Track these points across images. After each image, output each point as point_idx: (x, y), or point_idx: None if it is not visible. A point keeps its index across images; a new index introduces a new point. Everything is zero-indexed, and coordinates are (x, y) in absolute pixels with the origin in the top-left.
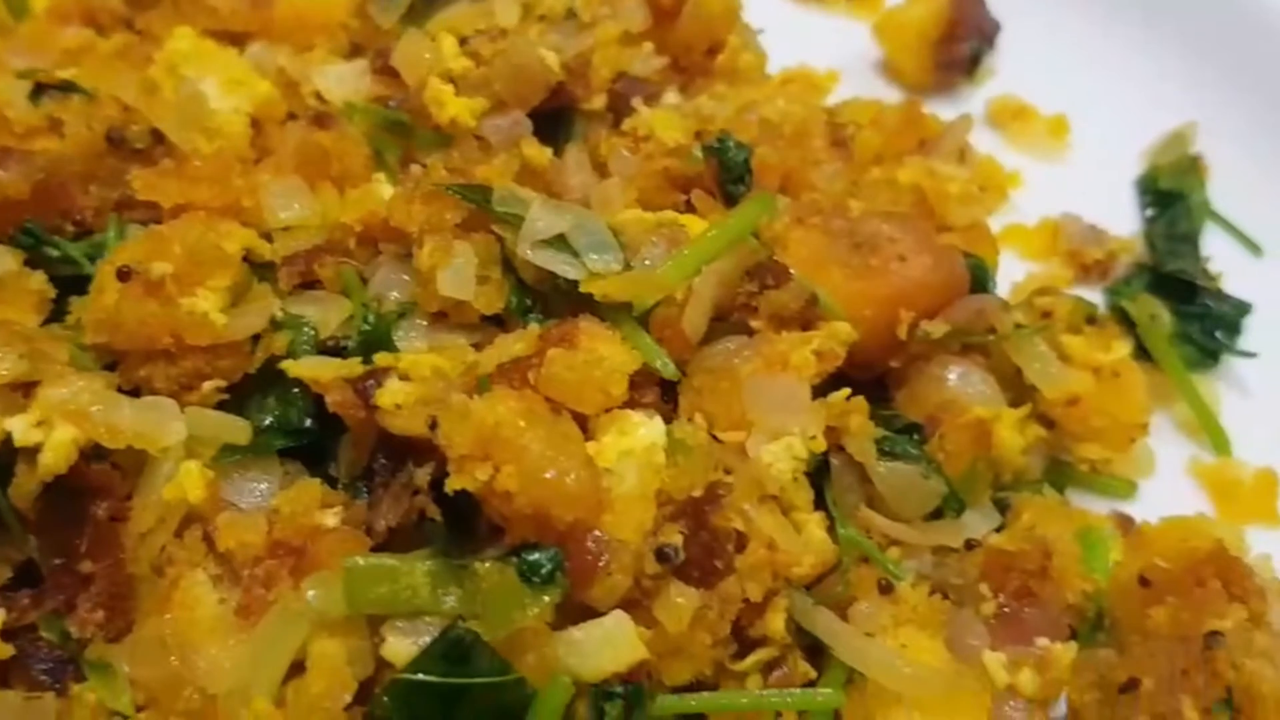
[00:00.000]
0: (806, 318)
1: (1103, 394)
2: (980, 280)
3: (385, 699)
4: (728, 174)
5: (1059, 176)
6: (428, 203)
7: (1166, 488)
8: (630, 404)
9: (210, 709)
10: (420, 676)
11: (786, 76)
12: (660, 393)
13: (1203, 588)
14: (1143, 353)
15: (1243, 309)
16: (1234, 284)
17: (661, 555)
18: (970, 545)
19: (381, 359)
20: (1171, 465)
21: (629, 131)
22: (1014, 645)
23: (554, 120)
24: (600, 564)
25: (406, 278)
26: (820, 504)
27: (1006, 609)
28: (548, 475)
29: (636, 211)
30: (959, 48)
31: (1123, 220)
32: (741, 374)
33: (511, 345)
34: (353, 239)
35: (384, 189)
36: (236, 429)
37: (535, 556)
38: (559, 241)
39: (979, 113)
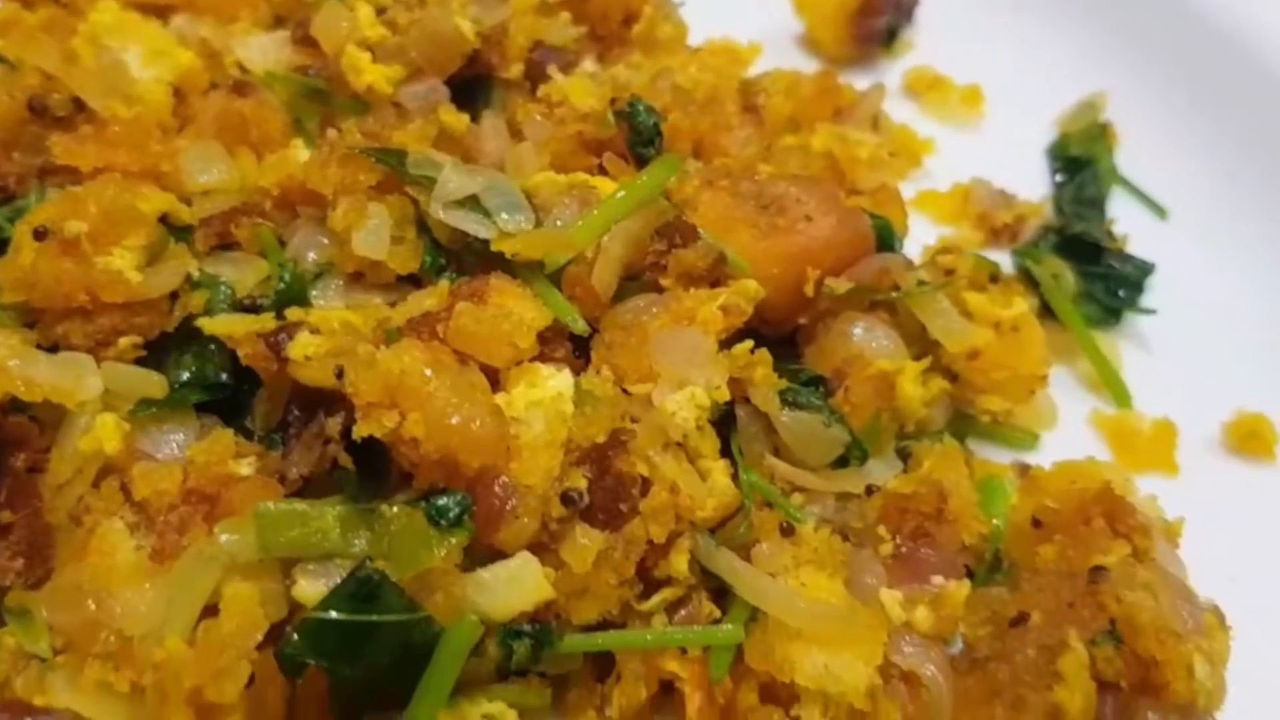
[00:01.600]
0: (715, 276)
1: (1003, 348)
2: (886, 240)
3: (295, 637)
4: (638, 137)
5: (973, 144)
6: (343, 165)
7: (1068, 439)
8: (541, 358)
9: (126, 651)
10: (329, 615)
11: (709, 49)
12: (572, 349)
13: (1089, 526)
14: (1048, 311)
15: (1146, 269)
16: (1140, 246)
17: (566, 499)
18: (870, 490)
19: (293, 314)
20: (1074, 418)
21: (543, 98)
22: (910, 584)
23: (473, 88)
24: (507, 508)
25: (324, 240)
26: (728, 453)
27: (903, 549)
28: (453, 421)
29: (549, 174)
30: (876, 21)
31: (1034, 186)
32: (650, 329)
33: (423, 301)
34: (269, 202)
35: (301, 154)
36: (152, 383)
37: (443, 501)
38: (472, 202)
39: (896, 84)
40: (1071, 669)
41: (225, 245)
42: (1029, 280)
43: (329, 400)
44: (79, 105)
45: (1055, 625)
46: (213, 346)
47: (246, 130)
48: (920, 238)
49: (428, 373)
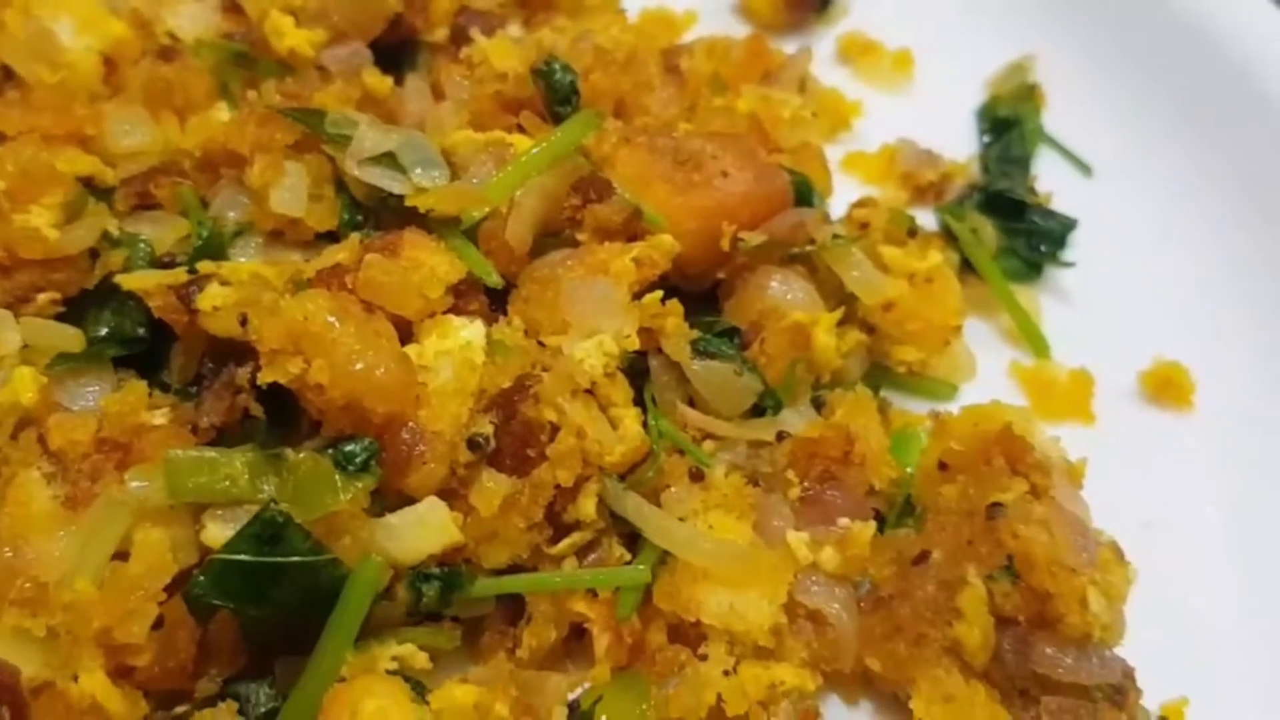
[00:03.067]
0: (631, 230)
1: (917, 299)
2: (805, 196)
3: (202, 578)
4: (555, 96)
5: (904, 108)
6: (260, 125)
7: (987, 390)
8: (456, 311)
9: (42, 596)
10: (234, 556)
11: (645, 17)
12: (489, 303)
13: (989, 465)
14: (970, 267)
15: (1068, 225)
16: (1065, 203)
17: (472, 444)
18: (781, 436)
19: (204, 267)
20: (993, 369)
21: (465, 60)
22: (817, 526)
23: (400, 52)
24: (415, 454)
25: (246, 200)
26: (642, 403)
27: (810, 492)
28: (357, 368)
29: (467, 133)
30: None
31: (964, 148)
32: (563, 281)
33: (335, 255)
34: (191, 163)
35: (223, 116)
36: (69, 337)
37: (350, 447)
38: (388, 160)
39: (830, 51)
40: (970, 605)
41: (148, 206)
42: (951, 237)
43: (240, 351)
44: (7, 73)
45: (955, 563)
46: (131, 302)
47: (172, 95)
48: (847, 198)
49: (331, 320)
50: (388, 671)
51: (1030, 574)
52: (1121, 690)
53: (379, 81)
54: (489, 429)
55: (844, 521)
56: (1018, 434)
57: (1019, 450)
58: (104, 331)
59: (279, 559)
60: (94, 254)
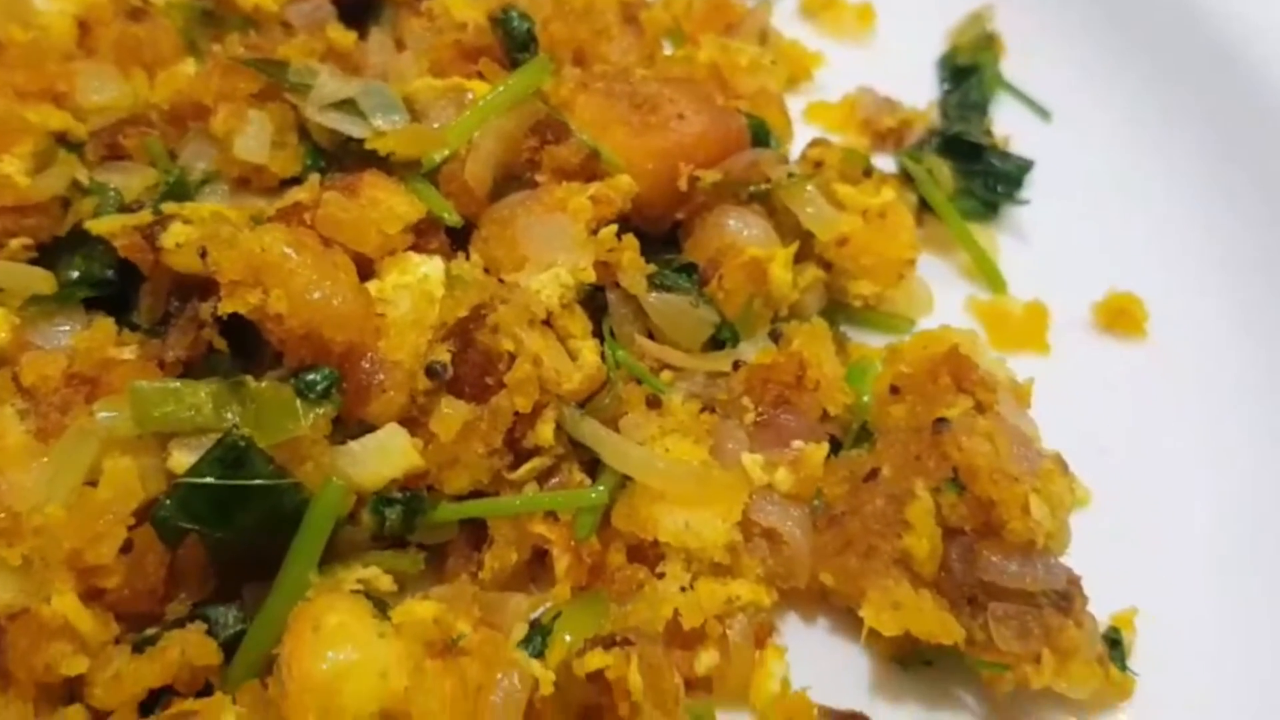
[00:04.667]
0: (590, 172)
1: (871, 234)
2: (762, 139)
3: (168, 501)
4: (513, 43)
5: (866, 60)
6: (224, 76)
7: (944, 323)
8: (416, 249)
9: (17, 526)
10: (199, 480)
11: None
12: (451, 244)
13: (936, 384)
14: (928, 208)
15: (1024, 167)
16: (1024, 147)
17: (431, 371)
18: (736, 366)
19: (168, 208)
20: (950, 304)
21: (425, 11)
22: (772, 448)
23: (364, 6)
24: (375, 382)
25: (213, 151)
26: (601, 336)
27: (765, 416)
28: (314, 297)
29: (427, 80)
30: None
31: (926, 97)
32: (521, 218)
33: (295, 194)
34: (157, 115)
35: (190, 70)
36: (41, 280)
37: (311, 376)
38: (349, 106)
39: (793, 5)
40: (918, 516)
41: (118, 157)
42: (909, 180)
43: (204, 288)
44: None
45: (903, 477)
46: (100, 247)
47: (141, 52)
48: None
49: (288, 251)
50: (352, 592)
51: (974, 484)
52: (1068, 597)
53: (342, 35)
54: (447, 357)
55: (797, 444)
56: (964, 354)
57: (964, 369)
58: (75, 275)
59: (242, 481)
60: (65, 203)
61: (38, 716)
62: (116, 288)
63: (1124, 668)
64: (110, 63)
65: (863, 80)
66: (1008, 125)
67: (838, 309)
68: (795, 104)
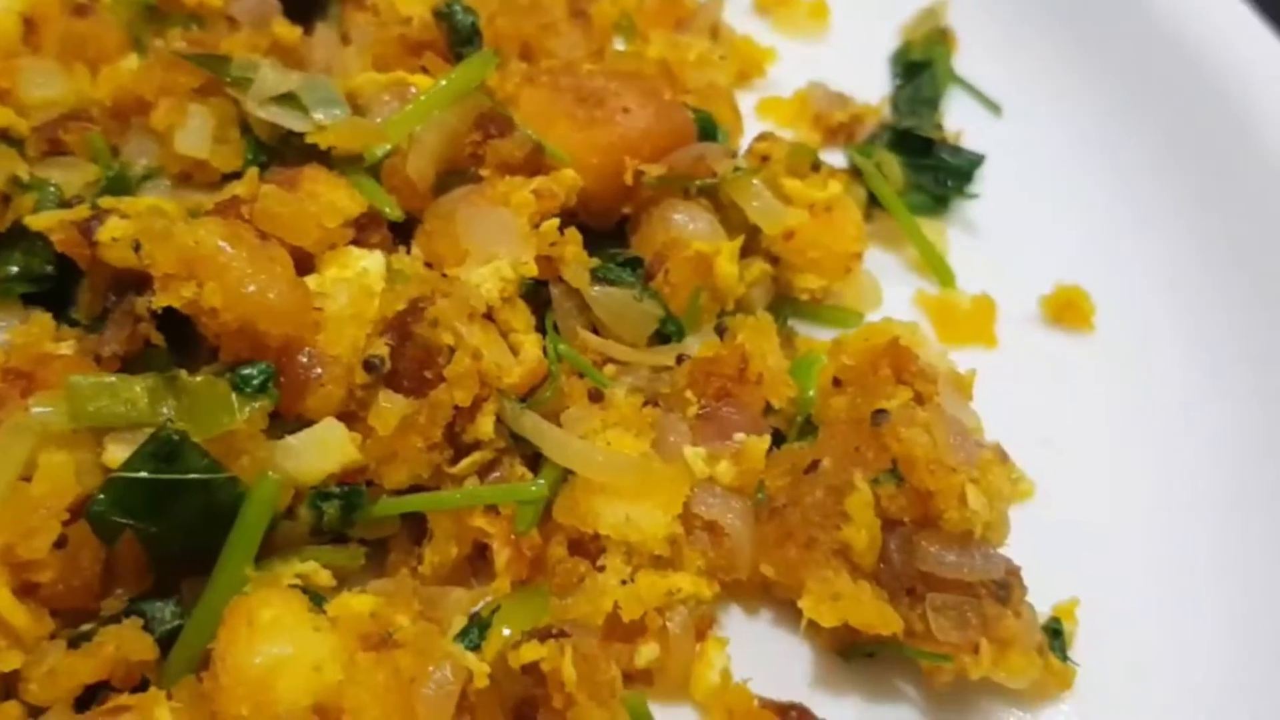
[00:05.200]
0: (534, 166)
1: (817, 227)
2: (709, 133)
3: (102, 496)
4: (456, 37)
5: (820, 56)
6: (165, 70)
7: (892, 317)
8: (358, 244)
9: None
10: (132, 474)
11: None
12: (393, 239)
13: (876, 375)
14: (878, 202)
15: (975, 161)
16: (978, 141)
17: (368, 365)
18: (680, 359)
19: (105, 202)
20: (899, 298)
21: (370, 6)
22: (714, 441)
23: (310, 2)
24: (312, 376)
25: (155, 146)
26: (544, 330)
27: (707, 409)
28: (249, 290)
29: (370, 74)
30: None
31: (879, 93)
32: (462, 212)
33: (234, 188)
34: (100, 111)
35: (133, 64)
36: None
37: (247, 370)
38: (291, 101)
39: (747, 3)
40: (857, 508)
41: (60, 153)
42: (859, 175)
43: (141, 283)
44: None
45: (843, 469)
46: (39, 242)
47: (85, 48)
48: None
49: (223, 244)
50: (290, 587)
51: (912, 474)
52: (1006, 587)
53: (288, 30)
54: (384, 351)
55: (740, 436)
56: (904, 346)
57: (904, 360)
58: (14, 270)
59: (176, 476)
60: (5, 199)
61: None
62: (56, 284)
63: (1065, 658)
64: (54, 59)
65: (816, 76)
66: (959, 120)
67: (785, 303)
68: (749, 100)
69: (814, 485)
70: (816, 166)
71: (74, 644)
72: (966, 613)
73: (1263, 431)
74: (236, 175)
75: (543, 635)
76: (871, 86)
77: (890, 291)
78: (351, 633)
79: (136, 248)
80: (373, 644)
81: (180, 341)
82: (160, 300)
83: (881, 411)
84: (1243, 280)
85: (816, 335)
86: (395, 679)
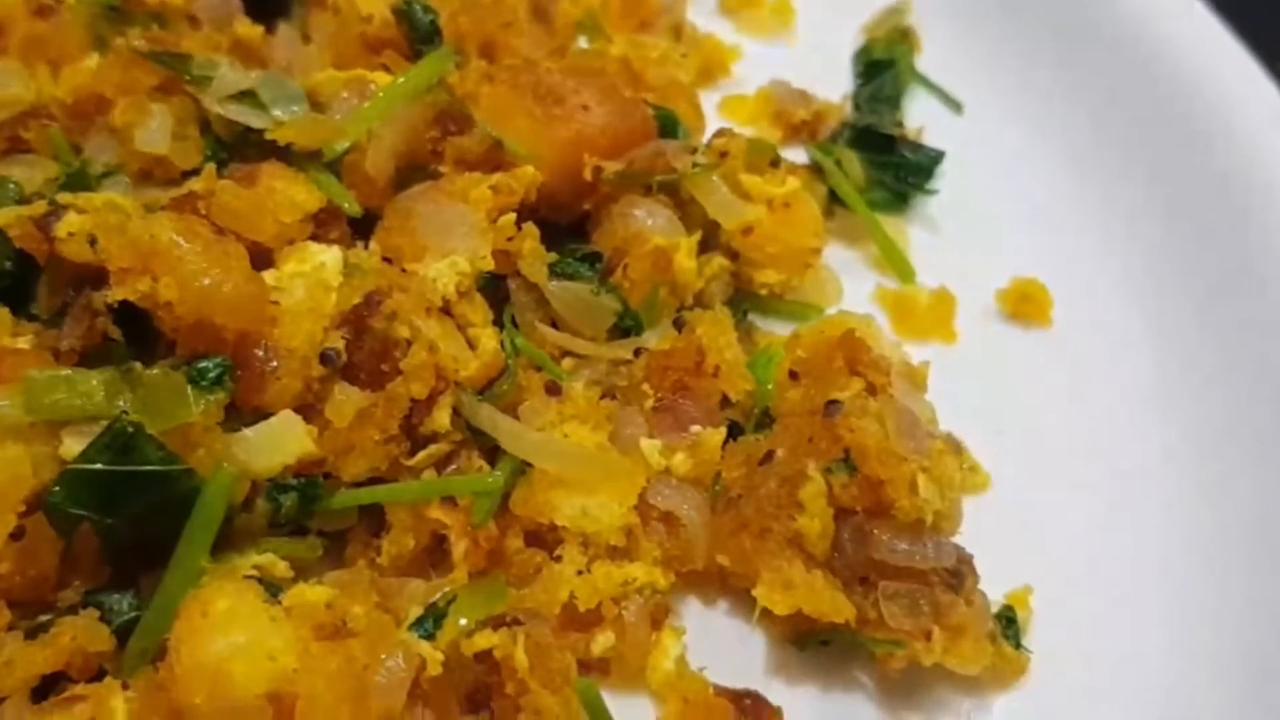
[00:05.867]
0: (494, 163)
1: (776, 222)
2: (670, 130)
3: (57, 488)
4: (416, 34)
5: (784, 55)
6: (125, 69)
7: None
8: (317, 239)
9: None
10: (87, 466)
11: None
12: (352, 234)
13: (830, 366)
14: (839, 199)
15: (936, 158)
16: (940, 139)
17: (324, 358)
18: (638, 353)
19: (63, 198)
20: (858, 294)
21: (331, 5)
22: (670, 433)
23: (272, 1)
24: (269, 370)
25: (117, 145)
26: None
27: (663, 402)
28: (204, 284)
29: (330, 72)
30: None
31: (842, 92)
32: (420, 207)
33: (191, 184)
34: (61, 110)
35: (94, 64)
36: None
37: (203, 364)
38: (250, 99)
39: (712, 2)
40: (810, 497)
41: (19, 151)
42: (820, 172)
43: (99, 278)
44: None
45: (796, 459)
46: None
47: (47, 48)
48: None
49: (178, 239)
50: (246, 578)
51: (864, 464)
52: (958, 575)
53: (249, 29)
54: (341, 344)
55: (696, 429)
56: (858, 337)
57: (858, 352)
58: None
59: (132, 468)
60: None
61: None
62: (14, 280)
63: (1018, 645)
64: (15, 59)
65: (780, 75)
66: (921, 118)
67: (744, 298)
68: (713, 98)
69: (768, 476)
70: (776, 162)
71: (31, 635)
72: (919, 600)
73: (1216, 422)
74: (196, 172)
75: (496, 624)
76: (834, 86)
77: (850, 287)
78: (306, 622)
79: (92, 242)
80: (327, 634)
81: (138, 336)
82: (116, 294)
83: (834, 402)
84: (1200, 275)
85: (777, 331)
86: (348, 666)
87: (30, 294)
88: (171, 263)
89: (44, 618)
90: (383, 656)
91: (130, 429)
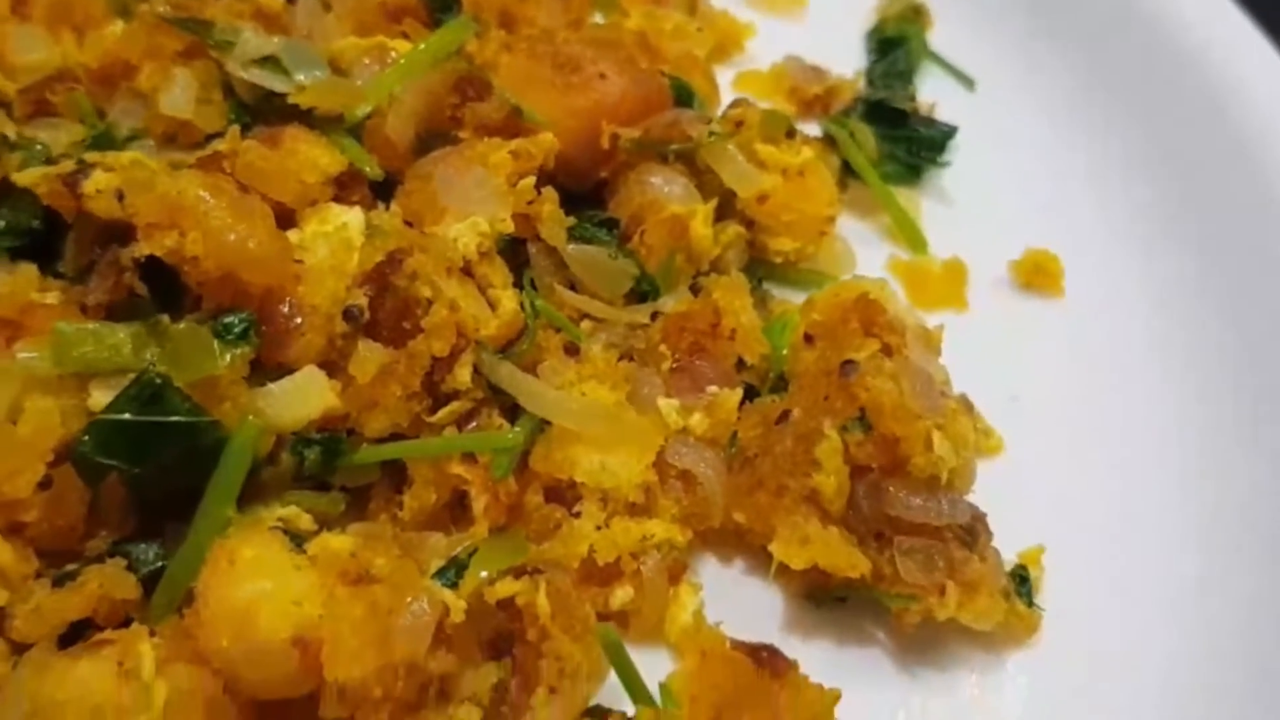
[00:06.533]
0: (512, 130)
1: (790, 191)
2: (685, 100)
3: (86, 438)
4: (436, 3)
5: (797, 32)
6: (150, 34)
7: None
8: (338, 201)
9: None
10: (116, 416)
11: None
12: (374, 198)
13: (845, 328)
14: (853, 171)
15: (948, 133)
16: (951, 114)
17: (348, 315)
18: (655, 316)
19: (90, 157)
20: (872, 264)
21: None
22: (687, 394)
23: None
24: (293, 326)
25: (140, 109)
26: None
27: (680, 363)
28: (229, 239)
29: (351, 39)
30: None
31: (854, 68)
32: (441, 171)
33: (216, 145)
34: (86, 75)
35: (118, 29)
36: None
37: (229, 319)
38: (273, 64)
39: None
40: (826, 455)
41: (46, 115)
42: (834, 144)
43: (126, 235)
44: None
45: (812, 418)
46: (27, 199)
47: (71, 15)
48: None
49: (204, 195)
50: (271, 529)
51: (880, 422)
52: (972, 531)
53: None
54: (364, 301)
55: (712, 389)
56: (873, 299)
57: (873, 313)
58: (1, 225)
59: (159, 418)
60: None
61: None
62: (43, 238)
63: (1030, 603)
64: (40, 25)
65: (793, 52)
66: (933, 95)
67: (759, 266)
68: (726, 74)
69: (784, 435)
70: (791, 134)
71: (59, 583)
72: (933, 556)
73: (1223, 389)
74: (219, 136)
75: (518, 573)
76: (847, 63)
77: (864, 257)
78: (331, 570)
79: (120, 198)
80: (351, 580)
81: (164, 294)
82: (143, 249)
83: (850, 362)
84: (1207, 245)
85: (792, 299)
86: (372, 611)
87: (57, 252)
88: (198, 218)
89: (71, 566)
90: (408, 600)
91: (158, 380)
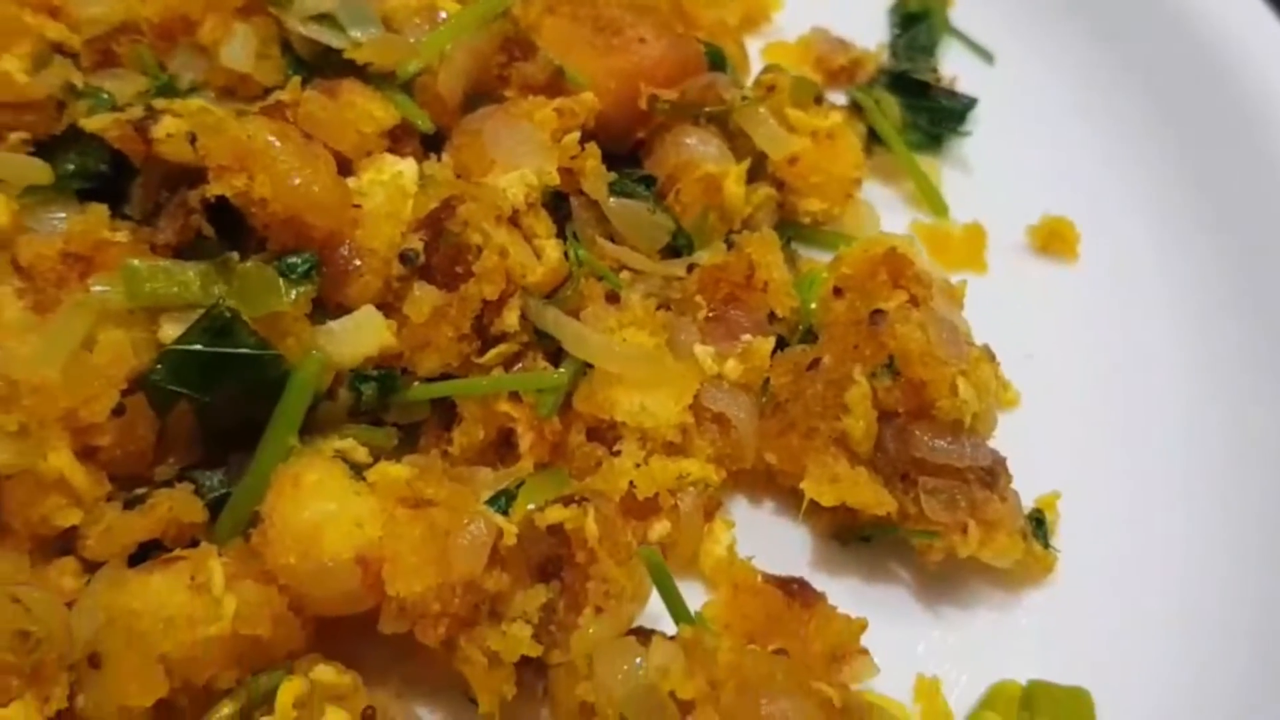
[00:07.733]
0: (555, 90)
1: (819, 153)
2: (718, 64)
3: (159, 366)
4: None
5: (823, 7)
6: None
7: None
8: (392, 153)
9: (14, 393)
10: (187, 347)
11: None
12: (424, 151)
13: (874, 280)
14: (877, 139)
15: (969, 104)
16: (971, 87)
17: (404, 258)
18: (691, 268)
19: (158, 104)
20: (895, 227)
21: None
22: (722, 342)
23: None
24: (352, 268)
25: (202, 62)
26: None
27: (716, 312)
28: (295, 183)
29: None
30: None
31: (878, 42)
32: (489, 126)
33: (278, 95)
34: (148, 28)
35: None
36: (38, 170)
37: (293, 259)
38: (329, 20)
39: None
40: (855, 400)
41: (110, 66)
42: (859, 112)
43: (193, 178)
44: None
45: (842, 364)
46: (95, 144)
47: None
48: None
49: (272, 139)
50: (330, 459)
51: (907, 368)
52: (993, 473)
53: None
54: (419, 245)
55: (746, 337)
56: (901, 253)
57: (901, 266)
58: (70, 169)
59: (227, 350)
60: (60, 105)
61: (33, 567)
62: (110, 182)
63: (1047, 545)
64: None
65: (817, 23)
66: (954, 68)
67: (789, 227)
68: (754, 45)
69: (815, 380)
70: (819, 100)
71: (129, 505)
72: (956, 496)
73: (1235, 348)
74: (277, 90)
75: (566, 501)
76: (871, 37)
77: (887, 221)
78: (389, 495)
79: (192, 141)
80: (410, 504)
81: (230, 234)
82: (214, 189)
83: (879, 312)
84: (1217, 214)
85: (818, 260)
86: (431, 532)
87: (123, 196)
88: (266, 162)
89: (141, 490)
90: (465, 521)
91: (227, 314)
